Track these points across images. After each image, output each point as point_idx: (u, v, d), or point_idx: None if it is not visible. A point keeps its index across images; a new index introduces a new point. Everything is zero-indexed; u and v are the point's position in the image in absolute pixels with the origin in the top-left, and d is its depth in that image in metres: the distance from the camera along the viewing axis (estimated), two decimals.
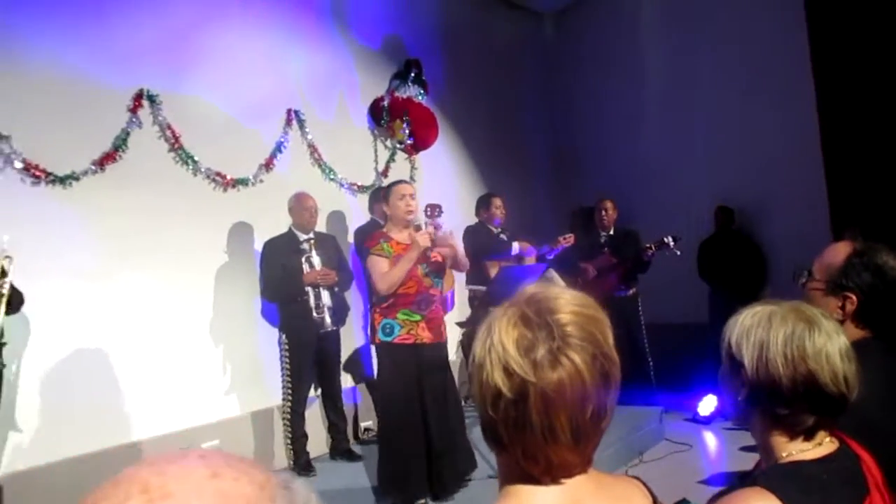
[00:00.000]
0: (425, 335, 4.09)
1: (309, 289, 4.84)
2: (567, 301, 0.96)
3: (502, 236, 5.80)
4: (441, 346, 4.21)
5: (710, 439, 5.68)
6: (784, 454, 1.33)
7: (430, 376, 4.08)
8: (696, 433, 5.75)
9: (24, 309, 3.80)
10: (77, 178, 4.41)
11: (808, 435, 1.32)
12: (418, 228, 4.11)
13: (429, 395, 4.06)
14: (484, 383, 0.94)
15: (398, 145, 6.44)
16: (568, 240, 5.83)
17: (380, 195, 5.49)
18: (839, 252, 1.84)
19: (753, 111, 7.17)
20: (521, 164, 8.21)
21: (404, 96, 6.41)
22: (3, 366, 3.61)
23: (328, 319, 4.86)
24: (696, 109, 7.64)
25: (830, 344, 1.28)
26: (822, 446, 1.32)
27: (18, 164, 4.16)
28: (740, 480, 1.35)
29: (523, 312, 0.95)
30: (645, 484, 1.12)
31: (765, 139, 7.10)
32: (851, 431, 1.40)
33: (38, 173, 4.23)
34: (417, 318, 4.08)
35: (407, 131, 6.29)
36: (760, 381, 1.31)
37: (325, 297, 4.89)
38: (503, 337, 0.93)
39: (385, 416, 4.22)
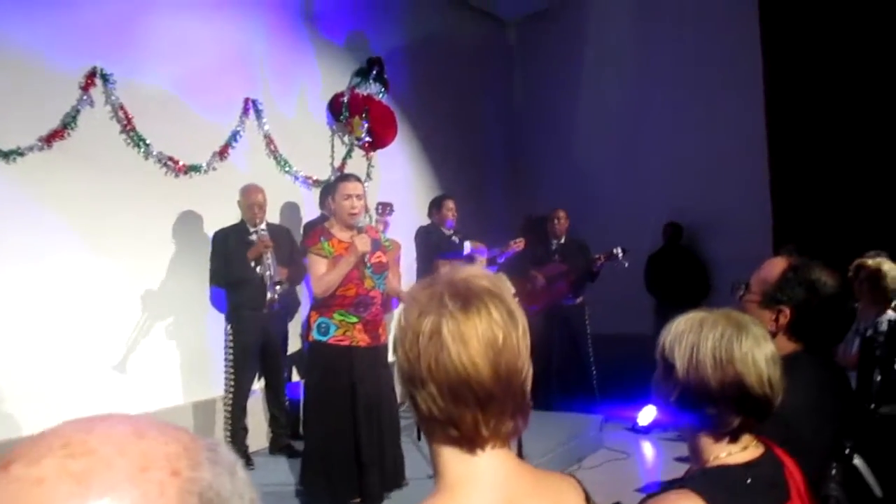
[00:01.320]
0: (361, 338, 3.99)
1: (255, 266, 4.75)
2: (470, 270, 1.04)
3: (454, 239, 5.82)
4: (378, 350, 4.10)
5: (648, 449, 5.80)
6: (712, 457, 1.37)
7: (363, 382, 3.96)
8: (634, 442, 5.86)
9: None
10: (22, 154, 4.28)
11: (734, 437, 1.37)
12: (360, 231, 4.00)
13: (361, 402, 3.93)
14: (403, 332, 1.00)
15: (356, 142, 6.42)
16: (518, 244, 5.88)
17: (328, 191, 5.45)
18: (775, 266, 1.91)
19: (705, 130, 7.35)
20: (478, 169, 8.26)
21: (365, 93, 6.39)
22: None
23: (276, 295, 4.77)
24: (650, 126, 7.79)
25: (758, 348, 1.33)
26: (748, 451, 1.37)
27: None
28: (670, 485, 1.39)
29: (432, 278, 1.03)
30: (579, 482, 1.14)
31: (714, 158, 7.28)
32: (780, 442, 1.45)
33: None
34: (354, 320, 3.98)
35: (365, 128, 6.27)
36: (690, 383, 1.35)
37: (273, 269, 4.76)
38: (416, 294, 1.01)
39: (312, 420, 4.07)
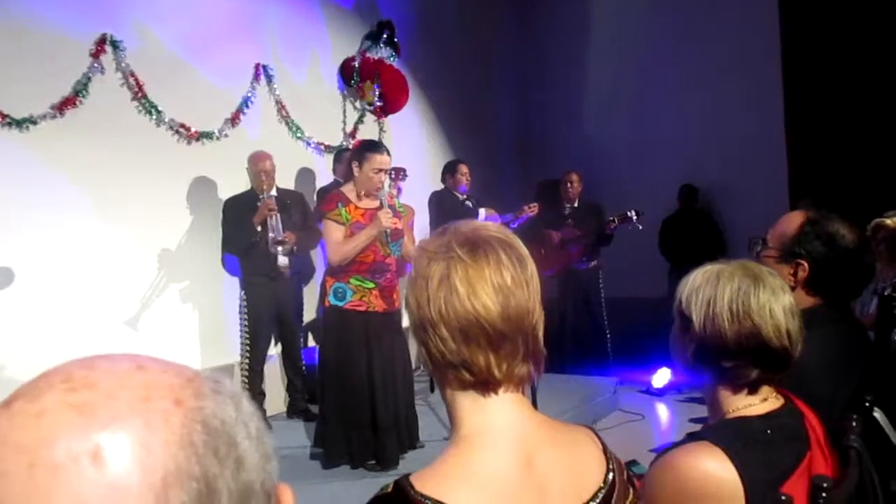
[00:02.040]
0: (378, 304, 4.01)
1: (260, 228, 4.74)
2: (479, 223, 1.06)
3: (468, 203, 5.80)
4: (393, 316, 4.12)
5: (663, 410, 5.82)
6: (731, 409, 1.37)
7: (379, 347, 3.99)
8: (649, 405, 5.88)
9: None
10: (35, 122, 4.28)
11: (752, 389, 1.36)
12: (383, 205, 3.97)
13: (377, 366, 3.97)
14: (414, 279, 1.01)
15: (367, 107, 6.38)
16: (532, 209, 5.85)
17: (343, 156, 5.42)
18: (793, 220, 1.88)
19: (720, 91, 7.24)
20: (490, 133, 8.20)
21: (376, 58, 6.32)
22: None
23: (281, 259, 4.76)
24: (664, 88, 7.68)
25: (775, 300, 1.32)
26: (768, 402, 1.36)
27: None
28: (689, 438, 1.38)
29: (441, 231, 1.05)
30: (596, 433, 1.14)
31: (730, 120, 7.18)
32: (798, 396, 1.44)
33: None
34: (371, 285, 3.99)
35: (377, 93, 6.22)
36: (707, 337, 1.35)
37: (280, 228, 4.72)
38: (426, 245, 1.02)
39: (329, 383, 4.07)
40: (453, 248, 0.98)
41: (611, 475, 1.04)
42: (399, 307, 4.18)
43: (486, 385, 0.98)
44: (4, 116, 4.15)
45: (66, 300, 4.38)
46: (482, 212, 5.74)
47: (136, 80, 4.78)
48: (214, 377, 0.49)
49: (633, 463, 3.07)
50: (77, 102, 4.47)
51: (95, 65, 4.59)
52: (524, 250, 1.02)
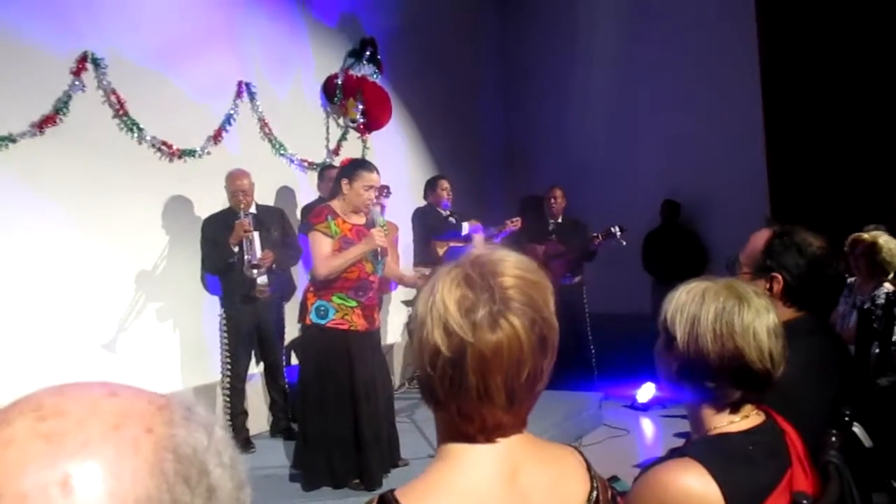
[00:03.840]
0: (359, 322, 3.98)
1: (238, 249, 4.72)
2: (511, 264, 0.97)
3: (451, 219, 5.81)
4: (373, 335, 4.13)
5: (647, 425, 5.82)
6: (712, 427, 1.37)
7: (361, 366, 3.96)
8: (633, 419, 5.89)
9: None
10: (14, 140, 4.24)
11: (735, 408, 1.37)
12: (374, 223, 3.99)
13: (360, 385, 3.94)
14: (423, 340, 0.94)
15: (350, 124, 6.39)
16: (515, 223, 5.88)
17: (327, 174, 5.41)
18: (760, 237, 1.95)
19: (701, 107, 7.31)
20: (473, 149, 8.23)
21: (359, 75, 6.35)
22: None
23: (261, 279, 4.73)
24: (646, 103, 7.76)
25: (759, 320, 1.32)
26: (749, 419, 1.37)
27: None
28: (671, 455, 1.39)
29: (467, 273, 0.95)
30: (580, 452, 1.14)
31: (711, 136, 7.26)
32: (778, 409, 1.45)
33: None
34: (353, 304, 3.97)
35: (360, 110, 6.23)
36: (691, 356, 1.35)
37: (257, 249, 4.73)
38: (445, 296, 0.93)
39: (309, 402, 4.01)
40: (475, 323, 0.91)
41: (594, 493, 1.05)
42: (378, 326, 4.19)
43: (478, 428, 0.98)
44: None
45: (43, 321, 4.32)
46: (466, 225, 5.76)
47: (118, 97, 4.76)
48: (187, 404, 0.49)
49: (614, 479, 3.06)
50: (57, 120, 4.44)
51: (76, 82, 4.57)
52: (546, 310, 0.97)
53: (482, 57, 8.58)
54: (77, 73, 4.58)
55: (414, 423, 4.98)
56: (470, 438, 0.97)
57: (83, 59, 4.61)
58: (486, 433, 0.97)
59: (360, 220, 4.07)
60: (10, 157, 4.23)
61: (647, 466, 1.37)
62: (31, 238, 4.29)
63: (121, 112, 4.78)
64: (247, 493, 0.48)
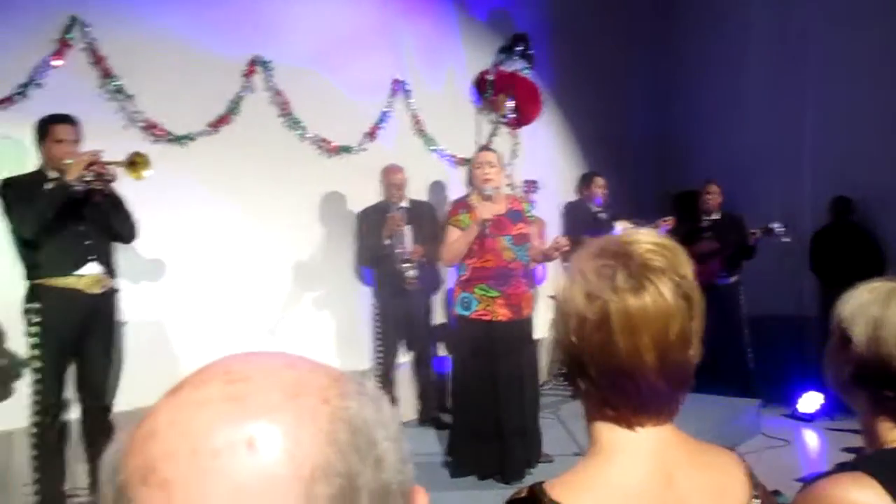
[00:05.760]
0: (502, 312, 3.99)
1: (390, 241, 4.88)
2: (645, 236, 0.97)
3: (601, 216, 5.71)
4: (521, 324, 4.08)
5: (811, 437, 5.44)
6: (889, 440, 1.26)
7: (505, 356, 3.97)
8: (795, 430, 5.52)
9: (138, 257, 4.04)
10: (192, 139, 4.63)
11: None
12: (488, 198, 4.01)
13: (503, 376, 3.96)
14: (568, 313, 0.95)
15: (501, 119, 6.42)
16: (667, 223, 5.68)
17: None
18: None
19: (875, 93, 6.70)
20: (624, 145, 8.01)
21: (510, 70, 6.36)
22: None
23: (410, 272, 4.88)
24: (809, 91, 7.21)
25: None
26: None
27: (141, 124, 4.42)
28: (840, 468, 1.29)
29: (603, 246, 0.96)
30: (741, 457, 1.08)
31: (890, 124, 6.63)
32: None
33: (158, 132, 4.48)
34: (495, 294, 3.99)
35: (511, 106, 6.25)
36: (869, 361, 1.24)
37: (408, 243, 4.88)
38: (584, 267, 0.95)
39: (457, 392, 4.20)
40: (615, 285, 0.91)
41: (756, 502, 0.99)
42: (528, 315, 4.15)
43: (629, 421, 0.96)
44: (167, 134, 4.52)
45: (215, 304, 4.68)
46: (618, 226, 5.63)
47: (283, 97, 5.07)
48: (358, 379, 0.51)
49: (776, 494, 2.89)
50: (230, 120, 4.80)
51: (246, 85, 4.91)
52: (690, 281, 0.94)
53: (635, 51, 8.32)
54: (247, 75, 4.92)
55: (559, 420, 4.95)
56: (623, 421, 0.95)
57: (252, 63, 4.95)
58: (640, 411, 0.94)
59: (498, 208, 4.08)
60: (189, 154, 4.62)
61: (811, 480, 1.28)
62: (203, 227, 4.66)
63: (285, 111, 5.09)
64: (409, 467, 0.50)
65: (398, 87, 5.82)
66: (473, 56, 6.43)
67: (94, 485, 3.86)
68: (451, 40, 6.35)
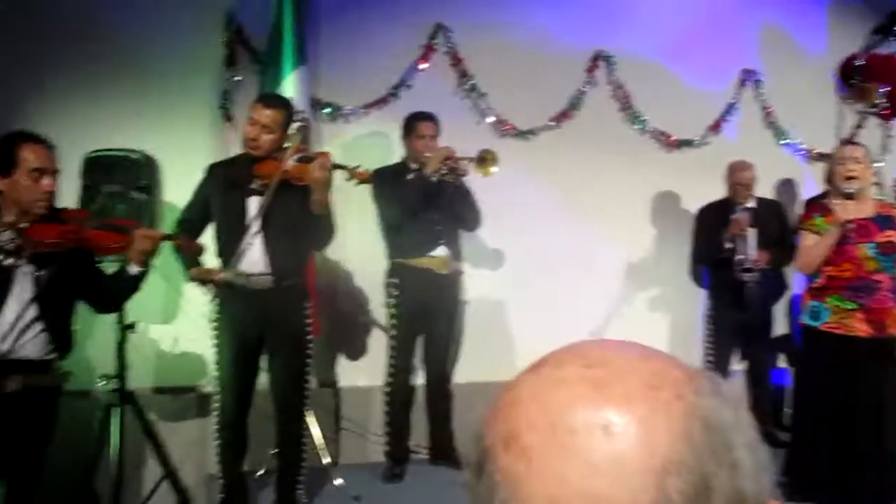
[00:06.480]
0: (861, 328, 3.55)
1: (730, 245, 4.56)
2: None
3: None
4: (882, 343, 3.60)
5: None
6: None
7: (862, 377, 3.56)
8: None
9: (481, 244, 4.36)
10: (535, 134, 4.87)
11: None
12: (850, 197, 3.58)
13: (858, 399, 3.56)
14: None
15: (871, 110, 5.65)
16: None
17: None
18: None
19: None
20: None
21: (885, 53, 5.57)
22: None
23: (749, 275, 4.52)
24: None
25: None
26: None
27: (491, 119, 4.78)
28: None
29: None
30: None
31: None
32: None
33: (506, 127, 4.80)
34: (851, 306, 3.56)
35: (884, 93, 5.47)
36: None
37: (751, 249, 4.52)
38: None
39: (800, 408, 3.91)
40: None
41: None
42: (893, 333, 3.65)
43: None
44: (513, 127, 4.80)
45: (548, 294, 4.83)
46: None
47: (625, 91, 5.06)
48: (715, 379, 0.50)
49: None
50: (572, 115, 4.93)
51: (589, 79, 5.00)
52: None
53: None
54: (590, 70, 5.00)
55: None
56: None
57: (596, 57, 5.02)
58: None
59: (862, 211, 3.62)
60: (532, 148, 4.86)
61: None
62: (541, 221, 4.85)
63: (626, 105, 5.07)
64: (766, 478, 0.48)
65: (748, 76, 5.43)
66: (838, 38, 5.73)
67: (434, 443, 4.29)
68: (811, 21, 5.74)
